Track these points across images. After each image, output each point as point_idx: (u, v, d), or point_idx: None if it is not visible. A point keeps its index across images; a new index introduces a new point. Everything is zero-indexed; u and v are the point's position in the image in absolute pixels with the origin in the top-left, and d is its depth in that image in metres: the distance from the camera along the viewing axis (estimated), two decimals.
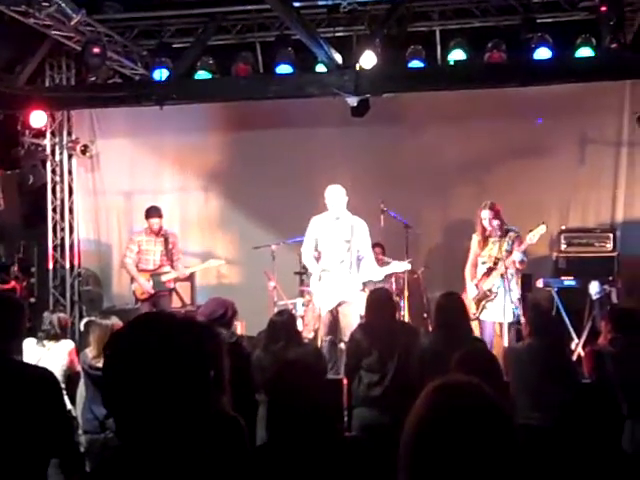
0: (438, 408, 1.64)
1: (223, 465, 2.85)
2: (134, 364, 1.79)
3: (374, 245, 8.95)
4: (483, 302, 7.86)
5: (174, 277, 9.19)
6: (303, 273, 8.86)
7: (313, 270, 7.79)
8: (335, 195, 7.72)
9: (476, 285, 7.93)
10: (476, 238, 8.04)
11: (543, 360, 5.32)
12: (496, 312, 7.78)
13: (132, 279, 9.28)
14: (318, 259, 7.82)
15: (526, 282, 8.45)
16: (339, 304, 7.59)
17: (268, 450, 2.97)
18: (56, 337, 6.14)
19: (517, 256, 7.69)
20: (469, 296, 7.86)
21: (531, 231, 7.73)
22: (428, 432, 1.62)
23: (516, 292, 7.78)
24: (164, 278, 9.12)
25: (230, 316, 5.70)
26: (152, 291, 9.02)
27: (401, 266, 8.01)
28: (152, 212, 9.18)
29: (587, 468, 4.80)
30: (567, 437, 5.02)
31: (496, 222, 7.82)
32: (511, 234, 7.83)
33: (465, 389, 1.68)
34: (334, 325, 7.61)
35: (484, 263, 7.94)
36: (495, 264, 7.81)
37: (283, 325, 5.67)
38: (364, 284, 8.11)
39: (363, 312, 7.30)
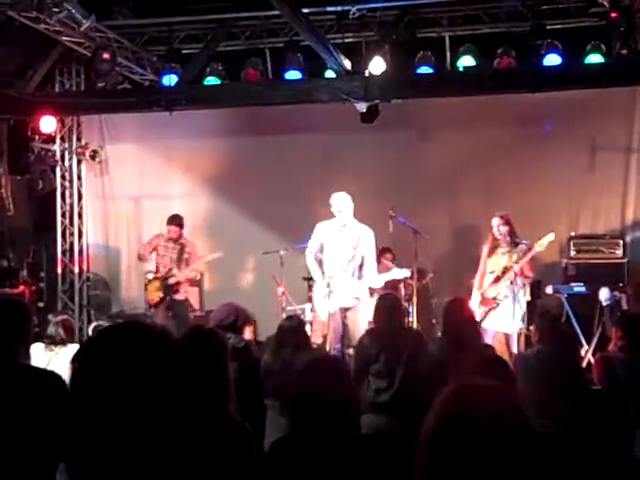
0: (460, 410, 1.63)
1: (227, 469, 2.85)
2: (103, 379, 1.75)
3: (384, 250, 8.94)
4: (486, 309, 7.83)
5: (176, 280, 9.18)
6: (311, 279, 8.84)
7: (316, 275, 7.78)
8: (341, 202, 7.70)
9: (482, 293, 7.92)
10: (485, 248, 8.03)
11: (552, 367, 5.29)
12: (498, 321, 7.76)
13: (145, 287, 9.39)
14: (321, 264, 7.81)
15: (535, 289, 8.43)
16: (346, 310, 7.59)
17: (290, 441, 2.98)
18: (63, 342, 6.11)
19: (526, 269, 7.69)
20: (472, 303, 7.84)
21: (540, 239, 7.71)
22: (448, 433, 1.61)
23: (522, 301, 7.75)
24: (170, 281, 9.16)
25: (241, 323, 5.71)
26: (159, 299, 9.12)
27: (400, 273, 8.00)
28: (170, 219, 9.26)
29: (597, 476, 4.76)
30: (577, 445, 4.99)
31: (504, 229, 7.80)
32: (522, 246, 7.78)
33: (488, 391, 1.68)
34: (343, 332, 7.60)
35: (492, 272, 7.92)
36: (504, 273, 7.78)
37: (292, 330, 5.65)
38: (372, 290, 8.12)
39: (371, 317, 7.30)
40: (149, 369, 1.77)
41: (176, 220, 9.24)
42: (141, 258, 9.49)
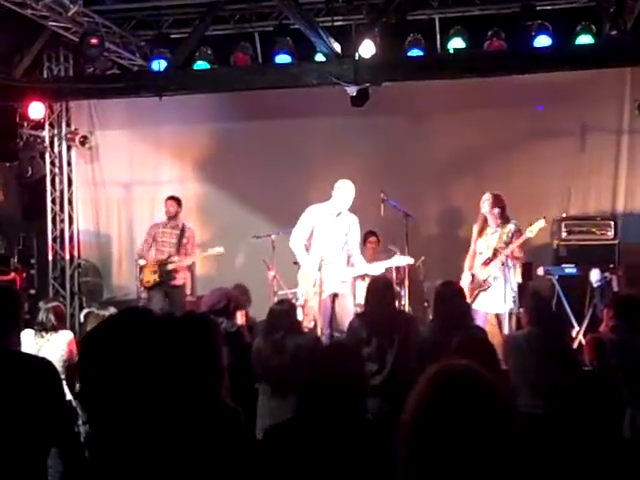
0: (438, 392, 1.65)
1: (219, 454, 2.85)
2: (109, 361, 1.77)
3: (369, 234, 8.94)
4: (476, 291, 7.84)
5: (175, 267, 9.21)
6: None
7: (301, 258, 7.76)
8: (348, 192, 7.73)
9: (472, 274, 7.93)
10: (475, 228, 8.05)
11: (543, 348, 5.30)
12: (489, 302, 7.78)
13: (140, 269, 9.43)
14: (308, 248, 7.81)
15: (527, 270, 8.44)
16: (335, 296, 7.60)
17: (291, 426, 2.99)
18: (54, 328, 6.10)
19: (516, 250, 7.70)
20: (463, 284, 7.85)
21: (530, 225, 7.71)
22: (427, 416, 1.62)
23: (513, 282, 7.76)
24: (169, 267, 9.19)
25: (233, 308, 5.72)
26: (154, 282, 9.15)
27: (403, 260, 8.00)
28: (169, 197, 9.48)
29: (587, 455, 4.79)
30: (568, 425, 5.01)
31: (496, 210, 7.80)
32: (511, 226, 7.78)
33: (464, 373, 1.69)
34: (331, 316, 7.62)
35: (481, 254, 7.93)
36: (494, 255, 7.79)
37: (283, 314, 5.64)
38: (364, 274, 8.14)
39: (360, 301, 7.31)
40: (150, 356, 1.80)
41: (174, 197, 9.45)
42: (142, 257, 9.47)
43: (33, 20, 8.46)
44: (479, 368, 1.70)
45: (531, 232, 7.69)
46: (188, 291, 10.02)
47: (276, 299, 7.93)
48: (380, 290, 5.90)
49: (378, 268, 7.89)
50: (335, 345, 3.53)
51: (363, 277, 8.11)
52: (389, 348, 5.56)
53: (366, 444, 2.85)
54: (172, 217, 9.35)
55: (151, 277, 9.23)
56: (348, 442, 2.84)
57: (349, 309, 7.54)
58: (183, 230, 9.33)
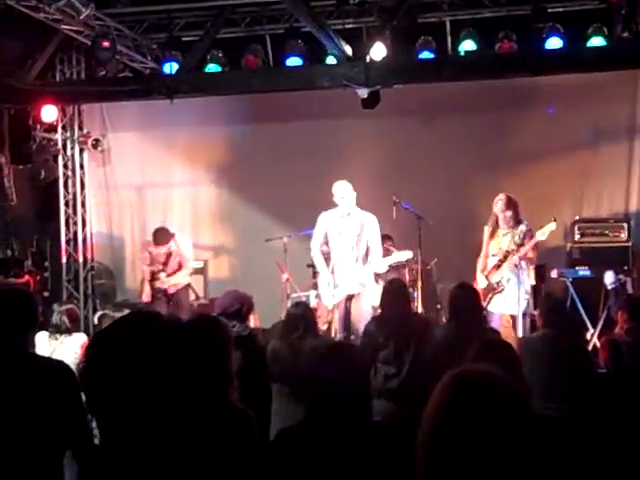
0: (457, 397, 1.63)
1: (227, 456, 2.85)
2: (116, 366, 1.78)
3: (384, 237, 8.94)
4: (490, 294, 7.84)
5: (162, 285, 9.16)
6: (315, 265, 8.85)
7: (320, 267, 7.76)
8: (343, 191, 7.67)
9: (486, 277, 7.92)
10: (487, 229, 8.04)
11: (557, 350, 5.29)
12: (503, 304, 7.77)
13: (141, 282, 9.51)
14: (328, 254, 7.78)
15: (540, 273, 8.42)
16: (349, 297, 7.58)
17: (300, 429, 2.99)
18: (68, 331, 6.12)
19: (529, 252, 7.70)
20: (479, 287, 7.85)
21: (541, 227, 7.71)
22: (446, 421, 1.61)
23: (527, 283, 7.75)
24: (157, 285, 9.16)
25: (246, 311, 5.71)
26: (149, 299, 9.15)
27: (403, 255, 7.98)
28: (158, 238, 9.13)
29: (603, 457, 4.77)
30: (583, 427, 5.00)
31: (509, 212, 7.80)
32: (522, 227, 7.79)
33: (484, 377, 1.67)
34: (348, 319, 7.61)
35: (494, 255, 7.93)
36: (505, 257, 7.78)
37: (300, 316, 5.66)
38: (377, 276, 8.11)
39: (375, 303, 7.30)
40: (158, 359, 1.80)
41: (162, 237, 9.15)
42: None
43: (46, 24, 8.49)
44: (500, 372, 1.69)
45: (543, 235, 7.69)
46: (201, 293, 10.03)
47: (289, 302, 7.94)
48: (395, 293, 5.90)
49: (382, 266, 7.86)
50: (336, 346, 3.51)
51: (377, 280, 8.10)
52: (406, 351, 5.56)
53: (375, 447, 2.84)
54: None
55: (148, 294, 9.24)
56: (355, 444, 2.83)
57: (363, 310, 7.50)
58: (170, 253, 9.15)
